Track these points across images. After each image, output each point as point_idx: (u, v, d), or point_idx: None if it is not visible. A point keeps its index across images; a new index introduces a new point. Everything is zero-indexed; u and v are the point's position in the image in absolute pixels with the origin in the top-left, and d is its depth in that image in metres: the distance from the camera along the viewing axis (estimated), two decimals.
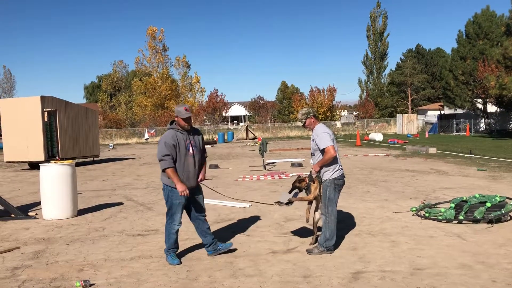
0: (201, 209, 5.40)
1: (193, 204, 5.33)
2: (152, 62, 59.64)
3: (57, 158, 17.31)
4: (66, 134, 18.16)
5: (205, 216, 5.46)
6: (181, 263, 5.13)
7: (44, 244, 6.17)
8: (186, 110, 5.12)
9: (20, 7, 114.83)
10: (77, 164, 15.04)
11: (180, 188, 5.02)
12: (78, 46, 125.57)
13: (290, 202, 5.58)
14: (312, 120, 5.51)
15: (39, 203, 8.57)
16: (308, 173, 5.64)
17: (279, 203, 5.64)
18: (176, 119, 5.19)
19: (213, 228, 6.79)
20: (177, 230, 5.23)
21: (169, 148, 5.03)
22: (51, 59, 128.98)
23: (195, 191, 5.32)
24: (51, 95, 17.74)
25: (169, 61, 60.20)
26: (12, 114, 17.11)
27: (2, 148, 19.37)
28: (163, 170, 5.07)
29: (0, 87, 66.11)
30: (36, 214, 8.20)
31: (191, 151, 5.16)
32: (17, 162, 17.80)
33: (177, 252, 5.31)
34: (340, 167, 5.40)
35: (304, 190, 5.65)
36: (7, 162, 17.76)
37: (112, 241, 6.26)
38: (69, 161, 8.24)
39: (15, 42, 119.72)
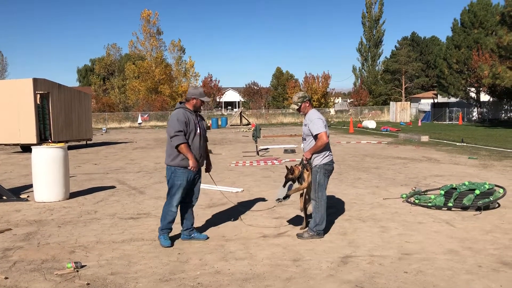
0: (196, 195, 5.40)
1: (193, 187, 5.30)
2: (146, 45, 59.11)
3: (49, 141, 17.23)
4: (59, 117, 18.05)
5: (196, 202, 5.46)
6: (172, 245, 5.16)
7: (35, 226, 6.19)
8: (205, 94, 5.22)
9: None
10: (70, 148, 14.95)
11: (193, 164, 5.02)
12: (71, 28, 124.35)
13: (287, 196, 5.57)
14: (307, 104, 5.52)
15: (31, 186, 8.56)
16: (300, 161, 5.66)
17: (278, 200, 5.63)
18: (192, 100, 5.17)
19: (206, 212, 6.85)
20: (174, 214, 5.17)
21: (182, 124, 4.98)
22: (44, 41, 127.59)
23: (198, 175, 5.31)
24: (44, 77, 17.60)
25: (163, 45, 59.72)
26: (4, 96, 16.95)
27: None
28: (176, 147, 4.99)
29: None
30: (28, 196, 8.20)
31: (198, 131, 5.17)
32: (9, 144, 17.70)
33: (169, 235, 5.30)
34: (330, 153, 5.44)
35: (297, 181, 5.66)
36: None
37: (104, 224, 6.28)
38: (61, 144, 8.21)
39: (7, 24, 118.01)
